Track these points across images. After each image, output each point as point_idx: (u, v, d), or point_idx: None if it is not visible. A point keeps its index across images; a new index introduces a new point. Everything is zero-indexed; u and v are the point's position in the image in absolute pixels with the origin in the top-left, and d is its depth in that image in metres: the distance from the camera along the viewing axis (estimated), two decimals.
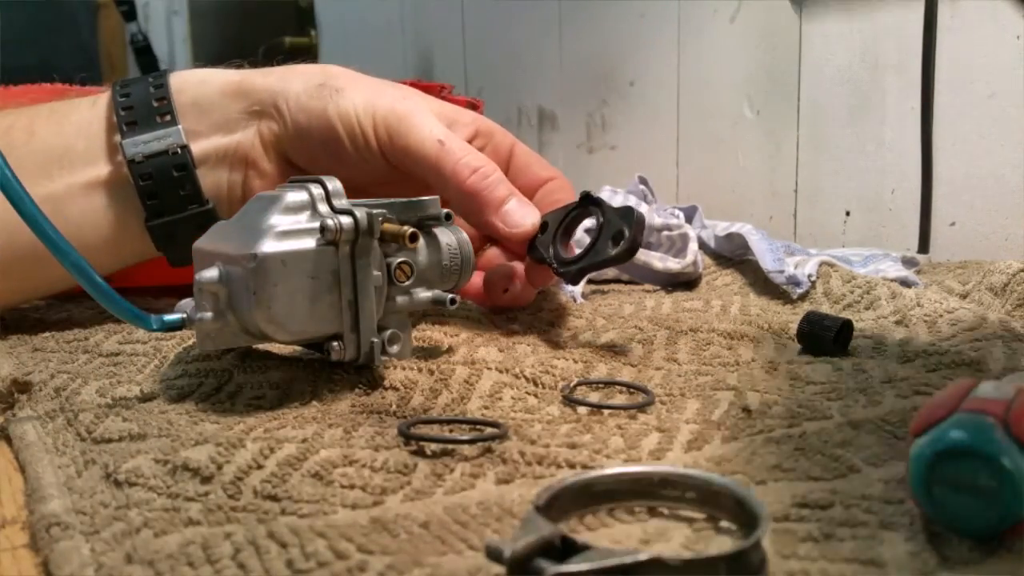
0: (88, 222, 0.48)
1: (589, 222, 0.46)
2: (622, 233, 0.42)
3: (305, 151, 0.48)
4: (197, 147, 0.48)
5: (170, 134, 0.47)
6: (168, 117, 0.48)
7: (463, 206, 0.46)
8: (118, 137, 0.47)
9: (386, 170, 0.48)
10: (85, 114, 0.49)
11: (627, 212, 0.43)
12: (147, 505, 0.27)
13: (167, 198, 0.48)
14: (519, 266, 0.48)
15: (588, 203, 0.45)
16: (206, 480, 0.29)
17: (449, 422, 0.34)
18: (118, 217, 0.48)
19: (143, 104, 0.48)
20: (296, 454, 0.30)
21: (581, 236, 0.50)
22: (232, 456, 0.30)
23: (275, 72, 0.49)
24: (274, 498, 0.27)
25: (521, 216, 0.46)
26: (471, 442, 0.31)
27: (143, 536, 0.25)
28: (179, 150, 0.47)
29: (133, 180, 0.47)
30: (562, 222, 0.46)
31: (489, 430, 0.32)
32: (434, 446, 0.31)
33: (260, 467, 0.29)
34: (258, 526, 0.25)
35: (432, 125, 0.46)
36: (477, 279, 0.50)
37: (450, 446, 0.31)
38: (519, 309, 0.51)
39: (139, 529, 0.26)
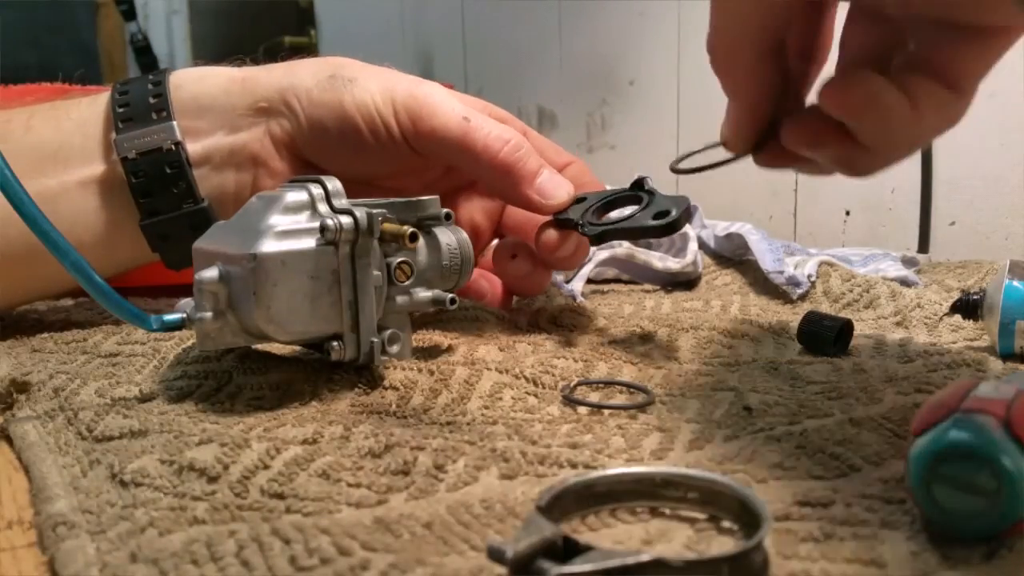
0: (81, 220, 0.47)
1: (632, 209, 0.44)
2: (668, 212, 0.41)
3: (321, 147, 0.47)
4: (199, 145, 0.47)
5: (164, 130, 0.47)
6: (164, 113, 0.47)
7: (495, 181, 0.45)
8: (114, 134, 0.47)
9: (406, 158, 0.47)
10: (84, 112, 0.49)
11: (681, 199, 0.42)
12: (153, 504, 0.27)
13: (161, 196, 0.47)
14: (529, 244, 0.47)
15: (639, 189, 0.44)
16: (213, 480, 0.29)
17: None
18: (112, 216, 0.48)
19: (140, 101, 0.48)
20: (302, 453, 0.30)
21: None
22: (238, 456, 0.30)
23: (279, 67, 0.49)
24: (280, 496, 0.28)
25: (555, 187, 0.45)
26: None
27: (148, 535, 0.25)
28: (173, 147, 0.46)
29: (126, 177, 0.47)
30: (603, 200, 0.45)
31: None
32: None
33: (267, 467, 0.29)
34: (262, 524, 0.26)
35: (453, 104, 0.46)
36: (481, 279, 0.50)
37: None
38: (526, 302, 0.51)
39: (144, 528, 0.26)
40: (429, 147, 0.46)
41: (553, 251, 0.45)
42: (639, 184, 0.45)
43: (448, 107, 0.46)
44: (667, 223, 0.41)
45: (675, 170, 0.44)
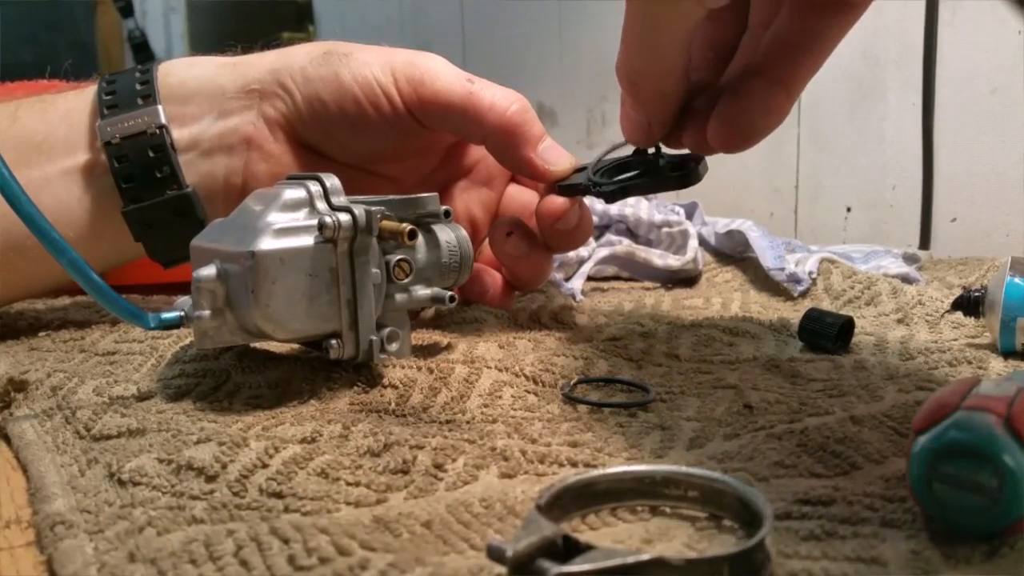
0: (64, 210, 0.46)
1: (641, 170, 0.43)
2: (685, 165, 0.41)
3: (318, 125, 0.46)
4: (186, 131, 0.47)
5: (148, 114, 0.46)
6: (150, 99, 0.46)
7: (499, 142, 0.45)
8: (98, 121, 0.46)
9: (408, 133, 0.46)
10: (71, 103, 0.48)
11: (694, 155, 0.41)
12: (151, 504, 0.27)
13: (144, 181, 0.46)
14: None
15: (641, 151, 0.43)
16: (211, 479, 0.29)
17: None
18: (94, 205, 0.47)
19: (126, 89, 0.47)
20: (301, 452, 0.30)
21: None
22: (237, 455, 0.30)
23: (272, 52, 0.48)
24: (278, 495, 0.27)
25: (557, 154, 0.45)
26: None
27: (146, 534, 0.25)
28: (157, 130, 0.46)
29: (108, 162, 0.46)
30: (606, 165, 0.44)
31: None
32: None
33: (265, 466, 0.29)
34: (261, 523, 0.25)
35: (455, 69, 0.46)
36: (484, 273, 0.49)
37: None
38: (526, 299, 0.51)
39: (143, 528, 0.25)
40: (433, 113, 0.45)
41: (556, 220, 0.45)
42: (641, 151, 0.44)
43: (450, 71, 0.45)
44: (686, 173, 0.40)
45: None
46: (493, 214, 0.51)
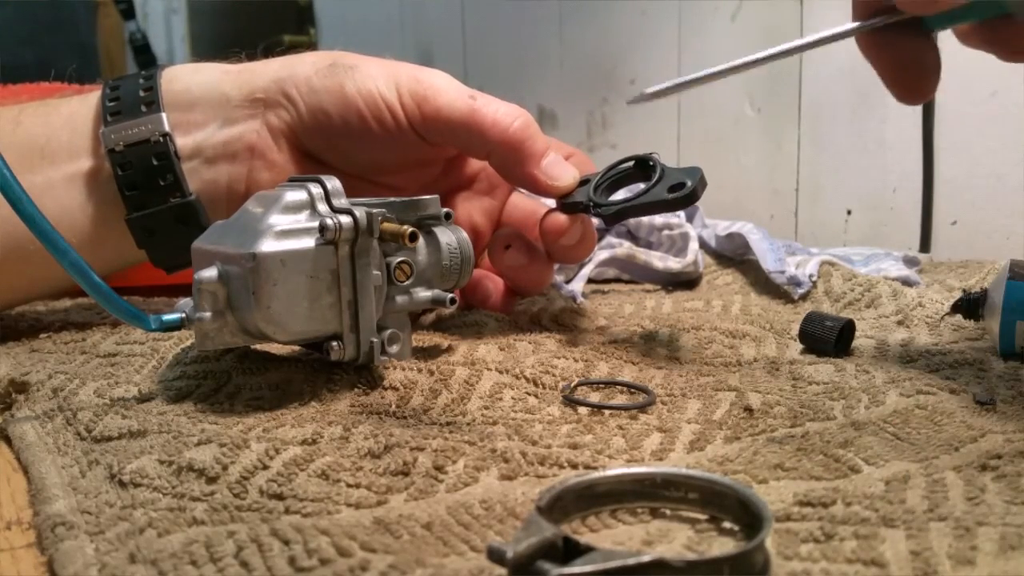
0: (66, 216, 0.46)
1: (641, 186, 0.43)
2: (683, 184, 0.40)
3: (321, 136, 0.46)
4: (190, 139, 0.47)
5: (152, 121, 0.46)
6: (153, 106, 0.46)
7: (502, 159, 0.45)
8: (102, 127, 0.46)
9: (410, 147, 0.46)
10: (74, 108, 0.48)
11: (692, 170, 0.41)
12: (152, 505, 0.27)
13: (147, 189, 0.46)
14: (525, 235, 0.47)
15: (643, 165, 0.43)
16: (211, 480, 0.29)
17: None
18: (97, 212, 0.47)
19: (130, 95, 0.47)
20: (301, 454, 0.30)
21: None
22: (237, 456, 0.30)
23: (276, 60, 0.48)
24: (279, 497, 0.27)
25: (562, 169, 0.45)
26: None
27: (147, 536, 0.25)
28: (161, 138, 0.46)
29: (112, 170, 0.46)
30: (607, 178, 0.44)
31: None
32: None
33: (266, 467, 0.29)
34: (261, 524, 0.25)
35: (458, 85, 0.46)
36: (486, 280, 0.49)
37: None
38: (527, 302, 0.51)
39: (143, 529, 0.26)
40: (436, 129, 0.45)
41: (558, 236, 0.45)
42: (643, 161, 0.44)
43: (453, 87, 0.45)
44: (684, 195, 0.40)
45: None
46: (496, 222, 0.51)
